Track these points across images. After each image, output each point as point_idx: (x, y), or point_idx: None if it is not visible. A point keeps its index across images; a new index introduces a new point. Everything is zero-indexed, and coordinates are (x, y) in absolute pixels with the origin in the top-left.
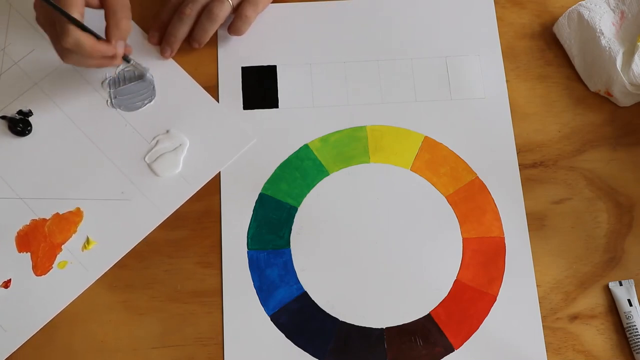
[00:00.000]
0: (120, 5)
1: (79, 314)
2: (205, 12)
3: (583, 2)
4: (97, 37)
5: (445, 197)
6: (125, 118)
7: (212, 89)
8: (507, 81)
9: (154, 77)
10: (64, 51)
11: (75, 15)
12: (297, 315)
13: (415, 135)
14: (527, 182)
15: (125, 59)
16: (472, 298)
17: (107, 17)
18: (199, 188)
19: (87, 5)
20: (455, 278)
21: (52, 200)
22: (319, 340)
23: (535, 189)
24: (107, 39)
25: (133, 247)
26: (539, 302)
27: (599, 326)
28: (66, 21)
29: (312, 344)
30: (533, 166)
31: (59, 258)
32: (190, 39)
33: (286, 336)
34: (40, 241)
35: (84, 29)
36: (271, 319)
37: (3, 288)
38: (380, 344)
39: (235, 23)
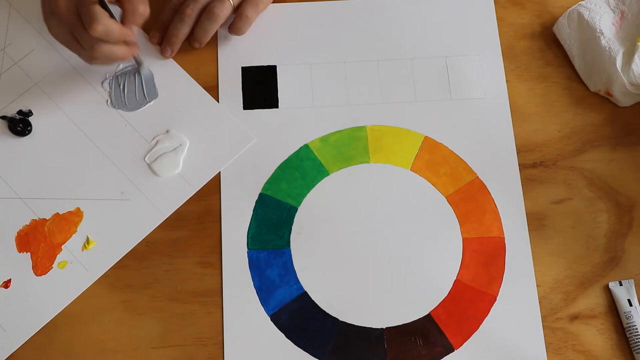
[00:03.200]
0: None
1: (79, 314)
2: (206, 12)
3: (583, 2)
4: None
5: (445, 197)
6: (125, 118)
7: (212, 89)
8: (507, 81)
9: (155, 77)
10: (92, 43)
11: None
12: (297, 315)
13: (415, 135)
14: (527, 182)
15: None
16: (472, 298)
17: (123, 2)
18: (199, 188)
19: None
20: (455, 278)
21: (52, 200)
22: (319, 340)
23: (535, 189)
24: (124, 24)
25: (133, 247)
26: (539, 302)
27: (599, 326)
28: (94, 5)
29: (312, 344)
30: (533, 166)
31: (59, 258)
32: (191, 38)
33: (286, 336)
34: (40, 241)
35: (110, 14)
36: (271, 319)
37: (3, 288)
38: (380, 344)
39: (235, 23)
